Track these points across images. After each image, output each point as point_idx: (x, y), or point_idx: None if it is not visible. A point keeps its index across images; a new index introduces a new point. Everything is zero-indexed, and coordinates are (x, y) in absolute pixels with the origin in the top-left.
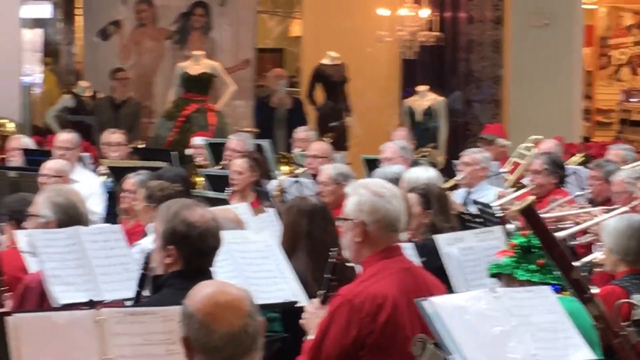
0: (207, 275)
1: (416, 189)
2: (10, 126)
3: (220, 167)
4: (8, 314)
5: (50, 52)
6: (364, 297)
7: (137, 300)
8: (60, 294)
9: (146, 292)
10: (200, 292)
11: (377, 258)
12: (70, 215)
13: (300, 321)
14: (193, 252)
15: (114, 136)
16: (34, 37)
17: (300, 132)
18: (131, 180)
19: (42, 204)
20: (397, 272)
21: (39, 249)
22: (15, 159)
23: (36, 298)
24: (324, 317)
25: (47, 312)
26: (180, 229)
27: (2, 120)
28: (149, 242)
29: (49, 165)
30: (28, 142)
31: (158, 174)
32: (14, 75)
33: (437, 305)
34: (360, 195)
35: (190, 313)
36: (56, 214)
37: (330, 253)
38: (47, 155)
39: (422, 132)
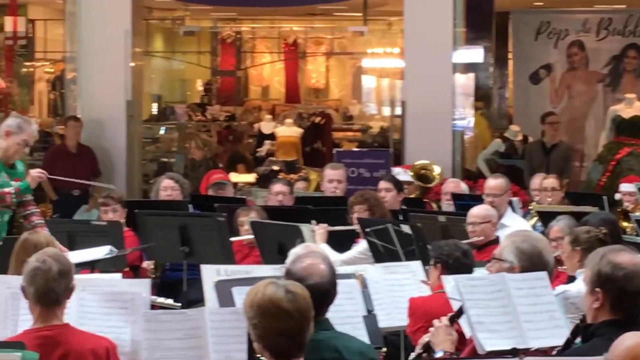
0: (639, 324)
1: None
2: (437, 170)
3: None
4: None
5: (481, 96)
6: None
7: (566, 349)
8: (485, 340)
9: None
10: (621, 345)
11: None
12: (534, 263)
13: None
14: (618, 294)
15: (547, 181)
16: (466, 81)
17: None
18: (556, 228)
19: (506, 249)
20: None
21: (464, 295)
22: (449, 203)
23: None
24: None
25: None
26: (605, 270)
27: (425, 163)
28: (573, 287)
29: (474, 212)
30: (464, 187)
31: (584, 220)
32: (446, 120)
33: None
34: None
35: None
36: (520, 261)
37: None
38: (478, 200)
39: None
